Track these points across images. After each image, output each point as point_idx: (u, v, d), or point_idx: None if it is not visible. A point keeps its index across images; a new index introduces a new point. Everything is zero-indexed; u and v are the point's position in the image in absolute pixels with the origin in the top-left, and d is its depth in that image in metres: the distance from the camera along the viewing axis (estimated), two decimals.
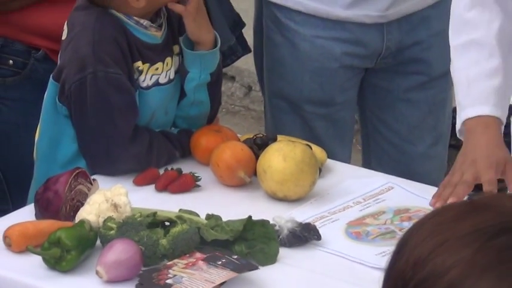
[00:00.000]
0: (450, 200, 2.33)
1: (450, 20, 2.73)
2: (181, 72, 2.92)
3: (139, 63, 2.79)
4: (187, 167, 2.76)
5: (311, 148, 2.76)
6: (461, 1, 2.69)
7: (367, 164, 3.47)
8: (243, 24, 3.39)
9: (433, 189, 2.73)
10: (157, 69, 2.84)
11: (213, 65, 2.92)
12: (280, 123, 3.30)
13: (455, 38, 2.69)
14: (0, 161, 3.21)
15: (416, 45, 3.22)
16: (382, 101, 3.34)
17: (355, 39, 3.14)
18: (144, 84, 2.82)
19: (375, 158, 3.44)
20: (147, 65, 2.82)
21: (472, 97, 2.61)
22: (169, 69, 2.89)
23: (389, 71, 3.29)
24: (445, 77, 3.07)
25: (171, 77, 2.89)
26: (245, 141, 2.81)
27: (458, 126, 2.63)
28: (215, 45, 2.93)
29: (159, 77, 2.86)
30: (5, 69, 3.09)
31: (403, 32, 3.19)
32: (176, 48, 2.92)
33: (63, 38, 2.83)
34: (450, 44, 2.71)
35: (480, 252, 1.33)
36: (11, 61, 3.09)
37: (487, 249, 1.33)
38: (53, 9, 2.97)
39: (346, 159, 3.26)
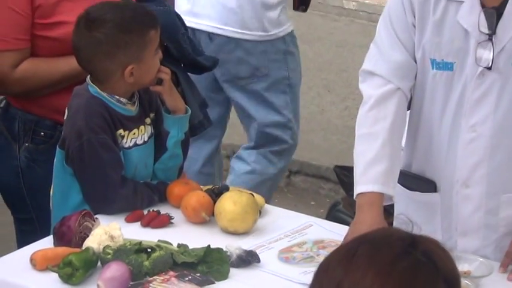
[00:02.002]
0: None
1: (358, 116, 2.67)
2: (163, 133, 2.89)
3: (121, 131, 2.79)
4: (164, 209, 2.78)
5: (253, 196, 2.80)
6: (366, 104, 2.64)
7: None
8: (207, 105, 3.36)
9: (339, 226, 2.83)
10: (134, 133, 2.83)
11: (186, 125, 2.92)
12: None
13: (359, 130, 2.65)
14: (34, 204, 3.08)
15: None
16: None
17: None
18: (126, 145, 2.81)
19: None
20: (127, 131, 2.80)
21: (366, 177, 2.57)
22: (144, 134, 2.86)
23: None
24: None
25: (146, 140, 2.86)
26: (206, 191, 2.83)
27: (354, 196, 2.60)
28: (186, 112, 2.92)
29: (136, 140, 2.84)
30: (38, 139, 3.04)
31: None
32: (148, 120, 2.89)
33: (65, 118, 2.81)
34: (356, 134, 2.67)
35: (368, 276, 1.43)
36: (42, 133, 3.03)
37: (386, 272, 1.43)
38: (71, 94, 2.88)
39: None
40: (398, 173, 2.64)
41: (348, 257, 1.48)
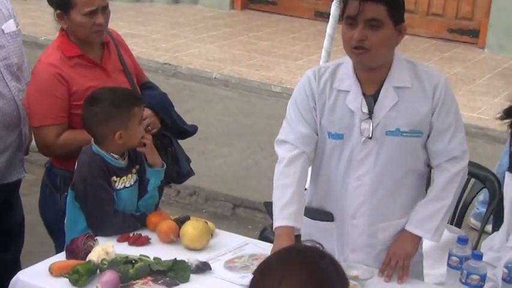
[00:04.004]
0: None
1: (275, 172, 2.62)
2: (144, 182, 2.83)
3: (114, 177, 2.74)
4: (144, 233, 2.74)
5: (207, 223, 2.78)
6: (281, 163, 2.60)
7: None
8: (191, 160, 3.26)
9: (267, 244, 2.77)
10: (124, 179, 2.77)
11: (162, 175, 2.86)
12: None
13: (276, 182, 2.60)
14: (55, 232, 3.03)
15: None
16: None
17: None
18: (118, 188, 2.75)
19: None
20: (119, 178, 2.75)
21: (282, 215, 2.52)
22: (131, 180, 2.80)
23: None
24: None
25: (132, 184, 2.80)
26: (174, 219, 2.79)
27: (273, 228, 2.57)
28: (162, 166, 2.86)
29: (125, 184, 2.78)
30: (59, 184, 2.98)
31: None
32: (134, 170, 2.82)
33: (75, 168, 2.77)
34: (274, 184, 2.61)
35: (300, 271, 1.44)
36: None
37: (292, 280, 1.43)
38: None
39: None
40: (304, 211, 2.60)
41: (284, 258, 1.48)
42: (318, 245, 1.52)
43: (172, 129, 3.15)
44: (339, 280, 1.48)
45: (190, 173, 3.22)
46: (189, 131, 3.24)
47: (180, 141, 3.26)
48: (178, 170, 3.15)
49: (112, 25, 3.10)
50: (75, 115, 2.91)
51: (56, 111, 2.90)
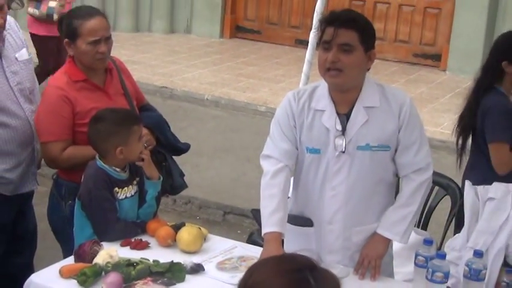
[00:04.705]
0: None
1: (261, 184, 2.59)
2: (144, 192, 2.81)
3: (116, 188, 2.72)
4: (144, 238, 2.72)
5: (200, 229, 2.76)
6: (266, 176, 2.58)
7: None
8: (184, 174, 3.22)
9: (255, 247, 2.77)
10: (125, 190, 2.76)
11: (159, 187, 2.84)
12: None
13: (263, 192, 2.58)
14: (61, 237, 3.04)
15: None
16: None
17: None
18: (120, 198, 2.74)
19: None
20: (121, 189, 2.74)
21: (269, 222, 2.50)
22: (132, 190, 2.78)
23: None
24: None
25: (133, 194, 2.78)
26: (171, 226, 2.76)
27: (262, 234, 2.53)
28: (159, 179, 2.84)
29: (126, 194, 2.76)
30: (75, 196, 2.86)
31: None
32: (134, 182, 2.80)
33: (82, 180, 2.75)
34: (261, 194, 2.58)
35: (278, 277, 1.37)
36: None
37: (281, 277, 1.38)
38: None
39: None
40: (287, 217, 2.59)
41: (276, 265, 1.41)
42: (314, 257, 1.44)
43: (167, 147, 3.13)
44: None
45: (183, 185, 3.20)
46: (182, 149, 3.22)
47: (179, 156, 3.26)
48: (171, 183, 3.12)
49: (115, 53, 3.10)
50: (79, 133, 2.90)
51: (62, 128, 2.89)
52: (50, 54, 6.10)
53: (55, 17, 5.88)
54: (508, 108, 3.15)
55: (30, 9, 6.10)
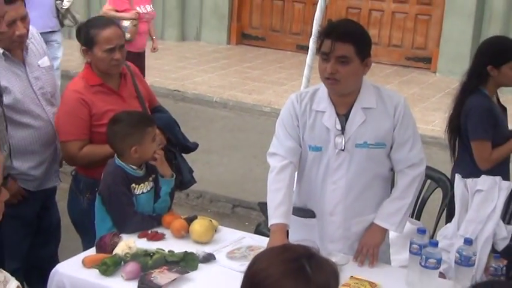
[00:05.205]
0: None
1: (268, 179, 2.58)
2: (158, 188, 2.80)
3: (133, 185, 2.72)
4: (160, 230, 2.72)
5: (211, 221, 2.76)
6: (273, 172, 2.57)
7: None
8: (193, 171, 3.20)
9: (262, 237, 2.75)
10: (142, 186, 2.75)
11: (172, 184, 2.83)
12: None
13: (270, 186, 2.57)
14: (80, 228, 3.05)
15: None
16: None
17: None
18: (137, 193, 2.73)
19: None
20: (137, 185, 2.73)
21: (275, 214, 2.50)
22: (148, 186, 2.77)
23: None
24: None
25: (149, 190, 2.77)
26: (184, 218, 2.76)
27: (269, 225, 2.54)
28: (172, 176, 2.83)
29: (143, 190, 2.75)
30: (93, 193, 2.86)
31: None
32: (150, 179, 2.79)
33: (102, 177, 2.74)
34: (268, 188, 2.56)
35: (277, 265, 1.39)
36: (96, 189, 2.81)
37: (280, 265, 1.39)
38: None
39: None
40: (292, 210, 2.58)
41: (276, 254, 1.42)
42: (314, 247, 1.43)
43: (177, 146, 3.13)
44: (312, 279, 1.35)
45: (192, 181, 3.18)
46: (190, 147, 3.21)
47: (188, 154, 3.22)
48: (181, 179, 3.10)
49: None
50: (95, 133, 2.91)
51: (79, 129, 2.89)
52: None
53: (127, 36, 5.52)
54: (489, 108, 3.15)
55: None
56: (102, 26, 2.90)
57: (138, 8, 5.80)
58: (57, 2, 6.24)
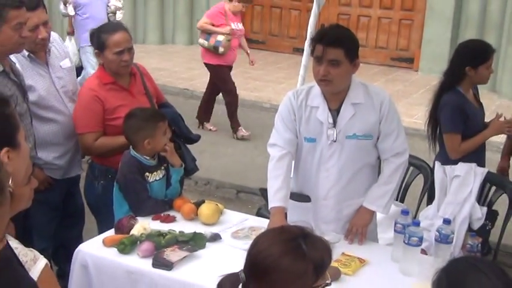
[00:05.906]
0: None
1: (268, 167, 2.55)
2: (169, 176, 2.79)
3: (147, 173, 2.71)
4: (171, 213, 2.71)
5: (218, 205, 2.75)
6: (272, 160, 2.55)
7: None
8: (196, 159, 3.17)
9: (262, 219, 2.74)
10: (154, 174, 2.74)
11: (181, 173, 2.82)
12: None
13: (269, 174, 2.55)
14: (95, 210, 3.04)
15: None
16: None
17: None
18: (150, 181, 2.72)
19: None
20: (150, 173, 2.72)
21: (275, 198, 2.49)
22: (160, 175, 2.76)
23: None
24: None
25: (161, 177, 2.76)
26: (193, 203, 2.75)
27: (269, 208, 2.51)
28: (181, 166, 2.83)
29: (156, 178, 2.74)
30: (107, 179, 2.91)
31: None
32: (162, 168, 2.78)
33: (119, 167, 2.73)
34: (268, 175, 2.53)
35: (276, 245, 1.39)
36: (110, 176, 2.90)
37: (279, 245, 1.40)
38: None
39: None
40: (289, 195, 2.56)
41: (275, 235, 1.42)
42: (311, 227, 1.46)
43: (181, 137, 3.10)
44: (312, 267, 1.35)
45: (195, 169, 3.14)
46: (193, 139, 3.19)
47: (197, 145, 3.20)
48: (185, 167, 3.04)
49: (144, 61, 3.13)
50: (109, 126, 2.91)
51: (94, 122, 2.89)
52: (221, 80, 5.72)
53: (220, 50, 5.49)
54: (461, 105, 3.14)
55: (200, 40, 5.65)
56: (112, 31, 2.89)
57: (232, 25, 5.57)
58: (110, 15, 6.19)
